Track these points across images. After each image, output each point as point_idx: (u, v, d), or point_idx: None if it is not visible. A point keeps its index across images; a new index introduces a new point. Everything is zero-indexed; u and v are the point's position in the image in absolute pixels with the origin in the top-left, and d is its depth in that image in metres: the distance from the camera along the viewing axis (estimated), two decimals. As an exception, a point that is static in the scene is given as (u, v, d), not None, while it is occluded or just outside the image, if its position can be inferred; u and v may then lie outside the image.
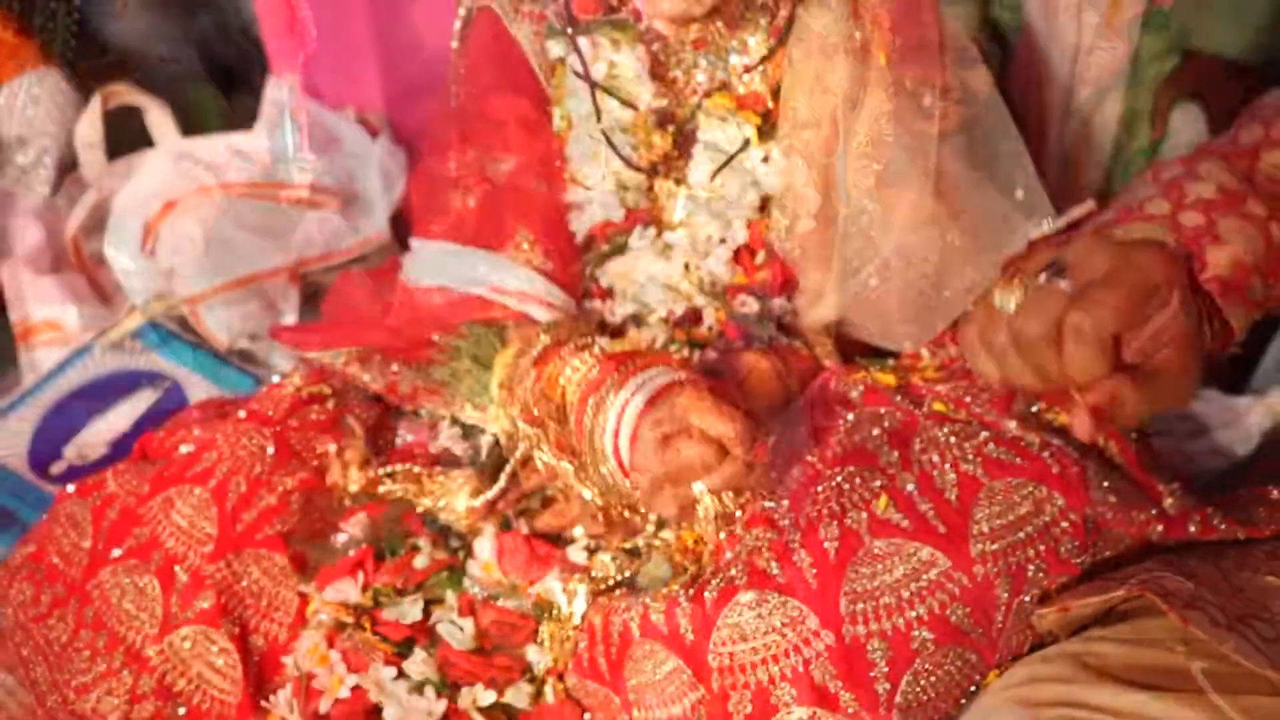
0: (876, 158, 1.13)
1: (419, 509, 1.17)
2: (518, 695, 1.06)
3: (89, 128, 2.12)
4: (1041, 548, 0.97)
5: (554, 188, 1.27)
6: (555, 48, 1.24)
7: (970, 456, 0.99)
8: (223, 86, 2.73)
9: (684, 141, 1.24)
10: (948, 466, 0.99)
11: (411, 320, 1.26)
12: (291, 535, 1.15)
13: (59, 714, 1.14)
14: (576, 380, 1.09)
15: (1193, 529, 1.01)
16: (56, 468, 1.80)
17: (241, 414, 1.24)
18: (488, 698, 1.06)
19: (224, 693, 1.09)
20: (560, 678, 1.08)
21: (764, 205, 1.23)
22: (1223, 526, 1.03)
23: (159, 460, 1.22)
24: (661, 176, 1.24)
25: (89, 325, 1.97)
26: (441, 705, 1.05)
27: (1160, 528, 1.00)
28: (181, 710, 1.09)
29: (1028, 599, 0.97)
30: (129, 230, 1.86)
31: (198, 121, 2.71)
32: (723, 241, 1.24)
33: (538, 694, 1.07)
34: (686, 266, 1.24)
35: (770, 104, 1.21)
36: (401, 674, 1.06)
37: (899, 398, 1.09)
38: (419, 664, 1.07)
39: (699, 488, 0.99)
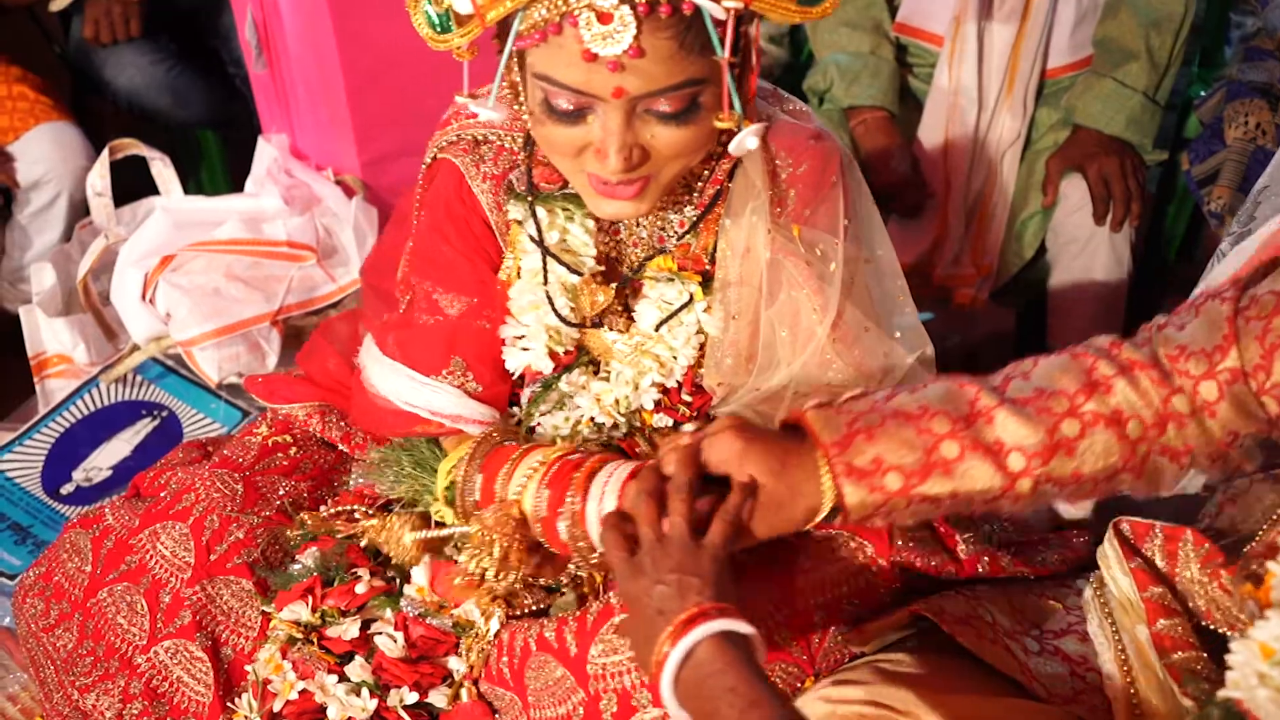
0: (789, 321, 1.29)
1: (362, 544, 1.39)
2: (438, 697, 1.29)
3: (98, 178, 2.31)
4: (852, 586, 1.20)
5: (494, 324, 1.36)
6: (514, 210, 1.33)
7: None
8: (224, 130, 2.91)
9: (628, 294, 1.35)
10: None
11: (367, 410, 1.41)
12: (256, 564, 1.36)
13: (64, 709, 1.37)
14: (531, 502, 1.24)
15: (981, 569, 1.24)
16: (66, 488, 2.02)
17: (216, 459, 1.46)
18: (412, 698, 1.28)
19: (199, 695, 1.31)
20: (475, 683, 1.30)
21: (701, 347, 1.35)
22: (1009, 566, 1.26)
23: (149, 498, 1.44)
24: (606, 328, 1.35)
25: (95, 360, 2.18)
26: (374, 704, 1.27)
27: (953, 569, 1.23)
28: (164, 709, 1.32)
29: (843, 625, 1.20)
30: (131, 281, 2.07)
31: (200, 165, 2.91)
32: (658, 388, 1.36)
33: (455, 696, 1.30)
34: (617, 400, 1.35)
35: (708, 265, 1.32)
36: (343, 678, 1.28)
37: None
38: (357, 669, 1.28)
39: None
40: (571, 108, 1.11)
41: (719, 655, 0.98)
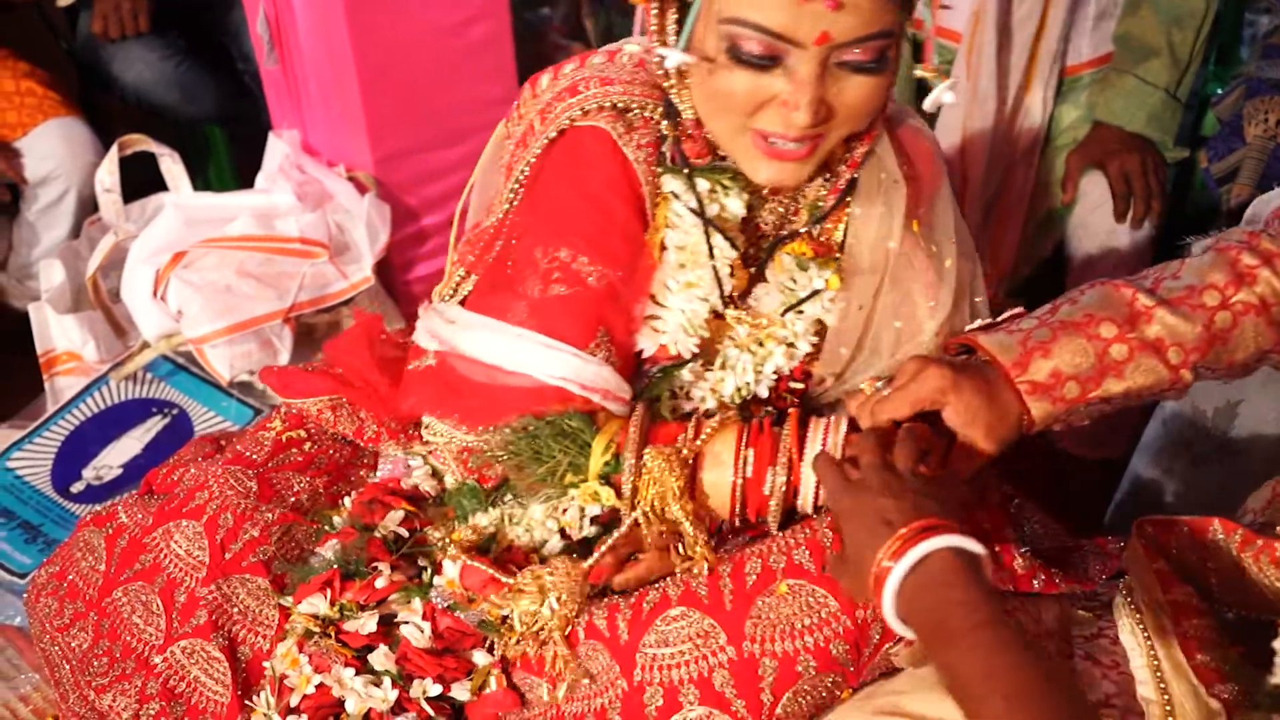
0: (906, 312, 1.31)
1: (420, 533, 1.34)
2: (460, 691, 1.27)
3: (107, 174, 2.29)
4: None
5: (631, 300, 1.31)
6: (670, 183, 1.28)
7: None
8: (232, 126, 2.90)
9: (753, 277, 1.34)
10: None
11: (464, 391, 1.32)
12: (272, 561, 1.33)
13: (80, 709, 1.34)
14: (730, 463, 1.20)
15: (1037, 585, 1.23)
16: (76, 487, 2.00)
17: (229, 455, 1.43)
18: (435, 689, 1.25)
19: (217, 695, 1.29)
20: (506, 672, 1.27)
21: (818, 334, 1.34)
22: (1061, 584, 1.25)
23: (162, 495, 1.42)
24: (735, 308, 1.33)
25: (105, 357, 2.16)
26: (394, 694, 1.24)
27: (1011, 587, 1.22)
28: (182, 709, 1.29)
29: (893, 641, 1.17)
30: (142, 278, 2.05)
31: (208, 161, 2.90)
32: (776, 373, 1.33)
33: (482, 685, 1.27)
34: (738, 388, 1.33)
35: (837, 253, 1.32)
36: (364, 669, 1.25)
37: None
38: (381, 658, 1.26)
39: None
40: (760, 52, 1.09)
41: (951, 568, 0.96)
